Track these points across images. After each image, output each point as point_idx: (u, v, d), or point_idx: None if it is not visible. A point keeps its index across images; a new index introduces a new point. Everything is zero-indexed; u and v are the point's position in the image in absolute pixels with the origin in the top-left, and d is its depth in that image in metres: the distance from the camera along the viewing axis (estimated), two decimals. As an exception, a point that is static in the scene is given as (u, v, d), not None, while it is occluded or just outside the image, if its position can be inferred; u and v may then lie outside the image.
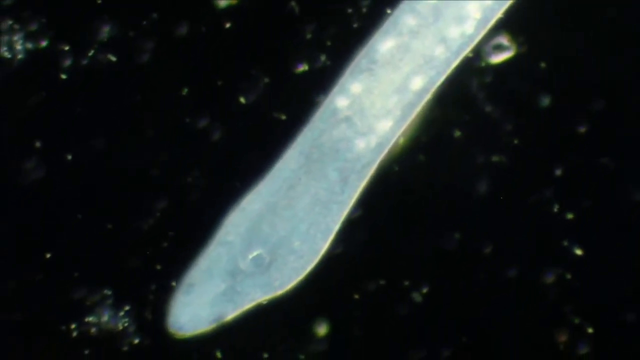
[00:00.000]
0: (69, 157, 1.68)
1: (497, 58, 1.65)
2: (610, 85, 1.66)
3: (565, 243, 1.66)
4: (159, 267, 1.68)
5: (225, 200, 1.67)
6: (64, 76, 1.68)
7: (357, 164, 1.58)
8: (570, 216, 1.66)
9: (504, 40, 1.65)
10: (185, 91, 1.68)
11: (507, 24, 1.63)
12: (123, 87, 1.69)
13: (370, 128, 1.57)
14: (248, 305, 1.60)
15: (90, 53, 1.68)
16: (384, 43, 1.58)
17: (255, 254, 1.60)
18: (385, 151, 1.58)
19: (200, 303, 1.60)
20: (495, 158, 1.66)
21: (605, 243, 1.66)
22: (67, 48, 1.68)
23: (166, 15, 1.68)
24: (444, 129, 1.66)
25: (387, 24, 1.59)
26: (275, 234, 1.59)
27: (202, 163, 1.69)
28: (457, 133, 1.66)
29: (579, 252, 1.65)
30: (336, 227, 1.59)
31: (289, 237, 1.59)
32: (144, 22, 1.68)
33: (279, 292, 1.60)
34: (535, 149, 1.66)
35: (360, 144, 1.58)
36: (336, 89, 1.59)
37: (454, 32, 1.56)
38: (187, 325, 1.60)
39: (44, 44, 1.68)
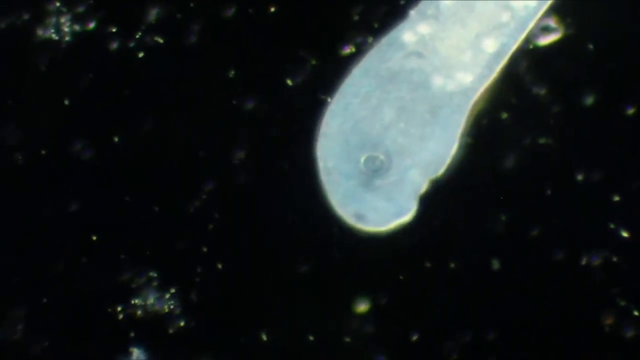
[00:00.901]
0: (117, 138, 1.69)
1: (545, 40, 1.65)
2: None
3: (612, 225, 1.66)
4: (205, 249, 1.69)
5: (272, 182, 1.68)
6: (111, 58, 1.69)
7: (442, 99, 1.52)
8: (616, 198, 1.66)
9: (551, 22, 1.65)
10: (232, 73, 1.69)
11: (554, 6, 1.64)
12: (170, 69, 1.69)
13: (449, 73, 1.52)
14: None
15: (138, 35, 1.69)
16: None
17: (365, 156, 1.55)
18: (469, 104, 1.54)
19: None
20: (542, 140, 1.66)
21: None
22: (114, 30, 1.69)
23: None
24: (492, 111, 1.66)
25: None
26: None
27: (249, 144, 1.69)
28: (505, 115, 1.66)
29: (625, 234, 1.65)
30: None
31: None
32: (191, 4, 1.69)
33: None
34: (581, 131, 1.66)
35: (438, 81, 1.54)
36: (399, 27, 1.54)
37: (518, 2, 1.55)
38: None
39: (91, 26, 1.69)
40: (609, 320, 1.65)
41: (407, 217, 1.54)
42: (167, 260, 1.69)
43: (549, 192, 1.66)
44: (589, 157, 1.66)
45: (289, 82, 1.68)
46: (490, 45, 1.55)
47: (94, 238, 1.69)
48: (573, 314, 1.66)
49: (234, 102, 1.69)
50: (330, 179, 1.56)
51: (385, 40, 1.58)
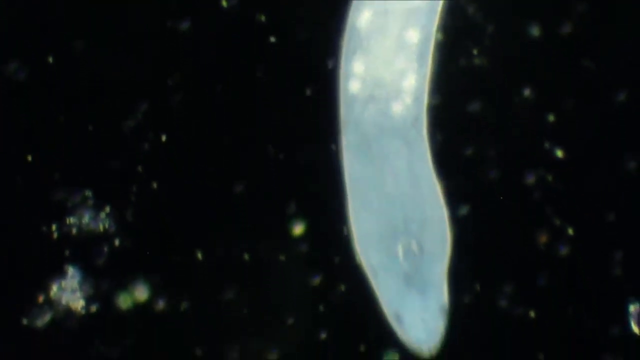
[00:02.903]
0: (51, 59, 1.68)
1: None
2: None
3: (547, 145, 1.66)
4: (140, 169, 1.68)
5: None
6: None
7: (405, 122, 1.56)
8: (551, 118, 1.66)
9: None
10: None
11: None
12: None
13: (398, 91, 1.55)
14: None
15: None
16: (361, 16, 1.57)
17: (400, 248, 1.58)
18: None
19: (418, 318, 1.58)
20: (476, 61, 1.66)
21: (587, 146, 1.66)
22: None
23: None
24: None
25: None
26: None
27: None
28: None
29: (560, 154, 1.66)
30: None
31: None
32: None
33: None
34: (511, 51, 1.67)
35: (397, 107, 1.57)
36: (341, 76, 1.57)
37: None
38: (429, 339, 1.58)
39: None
40: (543, 239, 1.65)
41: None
42: (102, 179, 1.68)
43: (484, 113, 1.66)
44: (524, 77, 1.66)
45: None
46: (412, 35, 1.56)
47: (29, 158, 1.68)
48: (508, 232, 1.66)
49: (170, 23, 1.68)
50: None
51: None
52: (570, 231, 1.65)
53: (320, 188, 1.65)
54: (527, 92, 1.65)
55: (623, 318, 1.64)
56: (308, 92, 1.66)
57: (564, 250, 1.65)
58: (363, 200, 1.56)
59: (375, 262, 1.56)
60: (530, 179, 1.65)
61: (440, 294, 1.55)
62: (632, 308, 1.64)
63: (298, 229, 1.67)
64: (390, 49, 1.54)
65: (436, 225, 1.55)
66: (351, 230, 1.57)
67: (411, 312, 1.55)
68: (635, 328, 1.63)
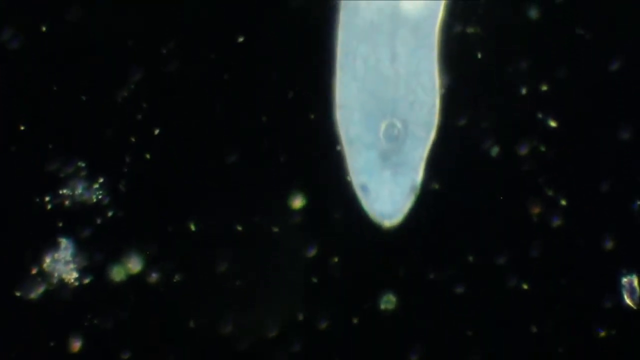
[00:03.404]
0: (44, 28, 1.67)
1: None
2: None
3: (540, 115, 1.66)
4: (133, 139, 1.68)
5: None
6: None
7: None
8: (544, 88, 1.66)
9: None
10: None
11: None
12: None
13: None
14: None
15: None
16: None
17: (383, 127, 1.57)
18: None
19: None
20: (471, 30, 1.66)
21: (581, 116, 1.66)
22: None
23: None
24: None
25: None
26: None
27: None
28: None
29: (553, 124, 1.66)
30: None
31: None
32: None
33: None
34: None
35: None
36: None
37: None
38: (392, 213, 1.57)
39: None
40: (535, 210, 1.66)
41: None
42: (95, 150, 1.67)
43: (477, 85, 1.67)
44: (514, 51, 1.67)
45: None
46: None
47: (22, 128, 1.67)
48: (499, 204, 1.67)
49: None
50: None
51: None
52: (563, 202, 1.66)
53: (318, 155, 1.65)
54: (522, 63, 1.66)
55: (616, 290, 1.65)
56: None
57: (556, 222, 1.66)
58: (353, 73, 1.55)
59: (354, 134, 1.57)
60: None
61: (414, 174, 1.55)
62: (624, 280, 1.65)
63: (297, 202, 1.67)
64: None
65: (425, 110, 1.55)
66: (334, 99, 1.57)
67: (379, 185, 1.56)
68: (627, 300, 1.64)
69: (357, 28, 1.57)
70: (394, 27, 1.57)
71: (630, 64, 1.65)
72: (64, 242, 1.66)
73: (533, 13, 1.65)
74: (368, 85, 1.56)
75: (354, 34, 1.57)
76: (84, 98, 1.67)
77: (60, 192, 1.67)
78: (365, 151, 1.57)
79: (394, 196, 1.57)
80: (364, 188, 1.58)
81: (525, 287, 1.65)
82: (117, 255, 1.66)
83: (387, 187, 1.56)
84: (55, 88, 1.68)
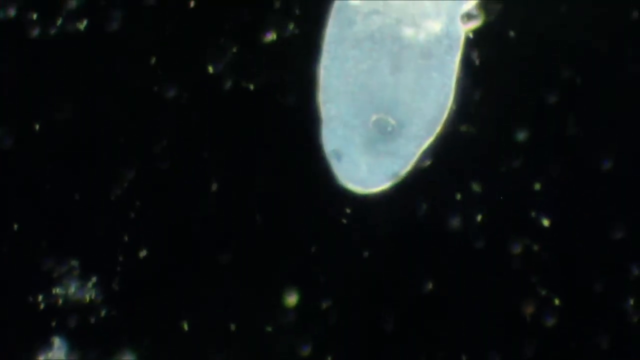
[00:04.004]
0: (37, 126, 1.67)
1: (467, 26, 1.65)
2: (581, 55, 1.66)
3: (533, 214, 1.66)
4: (126, 238, 1.68)
5: (199, 171, 1.67)
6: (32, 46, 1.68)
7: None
8: (537, 186, 1.66)
9: (473, 8, 1.64)
10: (154, 60, 1.68)
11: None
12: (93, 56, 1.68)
13: (415, 23, 1.51)
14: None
15: (59, 22, 1.67)
16: None
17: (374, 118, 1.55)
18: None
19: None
20: (464, 128, 1.66)
21: (573, 214, 1.66)
22: (35, 17, 1.68)
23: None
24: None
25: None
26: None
27: (168, 132, 1.68)
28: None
29: (546, 222, 1.66)
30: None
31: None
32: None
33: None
34: (501, 120, 1.66)
35: (408, 32, 1.53)
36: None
37: None
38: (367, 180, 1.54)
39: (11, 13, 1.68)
40: (529, 310, 1.65)
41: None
42: (88, 249, 1.68)
43: (469, 181, 1.66)
44: (511, 145, 1.66)
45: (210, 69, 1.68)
46: None
47: (15, 227, 1.68)
48: (494, 302, 1.66)
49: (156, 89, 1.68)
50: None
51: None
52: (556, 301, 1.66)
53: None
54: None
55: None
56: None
57: (549, 321, 1.65)
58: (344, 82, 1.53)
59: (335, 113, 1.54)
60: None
61: (399, 164, 1.52)
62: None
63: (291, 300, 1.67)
64: None
65: (427, 116, 1.52)
66: (319, 80, 1.55)
67: (356, 155, 1.52)
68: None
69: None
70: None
71: (621, 164, 1.65)
72: (57, 341, 1.67)
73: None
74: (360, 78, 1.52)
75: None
76: (77, 197, 1.68)
77: (54, 291, 1.67)
78: (346, 129, 1.51)
79: (371, 166, 1.51)
80: (337, 154, 1.53)
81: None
82: (110, 354, 1.67)
83: (363, 158, 1.51)
84: (47, 187, 1.68)
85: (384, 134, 1.53)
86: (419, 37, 1.54)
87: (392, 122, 1.52)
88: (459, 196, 1.66)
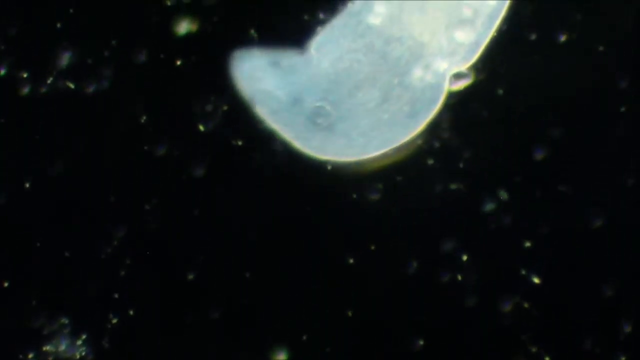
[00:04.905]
0: (27, 184, 1.68)
1: (457, 85, 1.66)
2: (570, 112, 1.67)
3: (523, 271, 1.66)
4: (116, 295, 1.68)
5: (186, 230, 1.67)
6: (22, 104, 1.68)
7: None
8: (528, 244, 1.66)
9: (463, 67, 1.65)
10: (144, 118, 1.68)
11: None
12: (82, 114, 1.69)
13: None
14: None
15: (50, 80, 1.68)
16: None
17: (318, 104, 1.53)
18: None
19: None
20: (453, 186, 1.66)
21: (563, 271, 1.66)
22: (25, 75, 1.68)
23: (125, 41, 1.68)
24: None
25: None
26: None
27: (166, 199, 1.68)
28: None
29: (536, 280, 1.66)
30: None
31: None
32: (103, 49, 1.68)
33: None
34: (490, 175, 1.67)
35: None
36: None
37: None
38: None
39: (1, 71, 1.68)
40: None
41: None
42: (79, 307, 1.68)
43: (461, 238, 1.66)
44: (500, 201, 1.67)
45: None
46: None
47: (5, 284, 1.68)
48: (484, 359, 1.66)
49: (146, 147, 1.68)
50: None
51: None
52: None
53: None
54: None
55: None
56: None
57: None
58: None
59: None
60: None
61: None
62: None
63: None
64: None
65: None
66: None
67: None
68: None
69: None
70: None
71: (612, 222, 1.66)
72: (47, 398, 1.66)
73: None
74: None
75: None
76: (67, 254, 1.68)
77: (44, 348, 1.67)
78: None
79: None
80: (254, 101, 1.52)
81: None
82: (100, 413, 1.67)
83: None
84: (38, 245, 1.68)
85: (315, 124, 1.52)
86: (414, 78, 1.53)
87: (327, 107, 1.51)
88: (449, 253, 1.66)
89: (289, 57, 1.54)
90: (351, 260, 1.65)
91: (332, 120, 1.51)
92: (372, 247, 1.65)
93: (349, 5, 1.54)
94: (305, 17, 1.62)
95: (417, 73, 1.51)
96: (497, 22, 1.57)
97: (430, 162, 1.65)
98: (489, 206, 1.65)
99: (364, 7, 1.51)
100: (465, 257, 1.65)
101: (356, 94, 1.51)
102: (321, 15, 1.61)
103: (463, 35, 1.51)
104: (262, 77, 1.54)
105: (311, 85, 1.51)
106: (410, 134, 1.56)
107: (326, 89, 1.51)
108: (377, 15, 1.50)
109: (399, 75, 1.51)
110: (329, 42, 1.55)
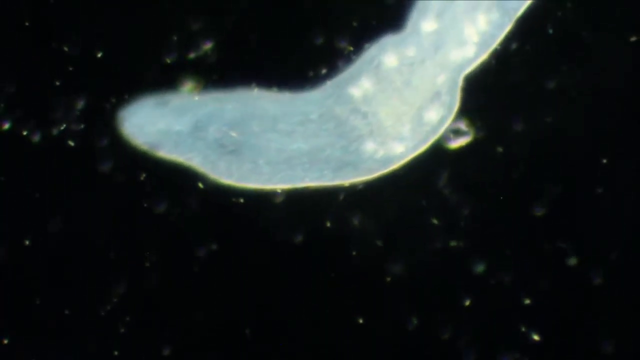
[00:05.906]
0: (27, 241, 1.68)
1: (455, 143, 1.66)
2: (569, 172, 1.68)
3: (523, 328, 1.66)
4: (116, 352, 1.68)
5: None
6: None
7: None
8: (527, 301, 1.66)
9: (462, 125, 1.66)
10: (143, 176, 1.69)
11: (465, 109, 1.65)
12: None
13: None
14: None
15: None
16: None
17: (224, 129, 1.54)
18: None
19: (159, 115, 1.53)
20: (453, 243, 1.67)
21: (563, 328, 1.66)
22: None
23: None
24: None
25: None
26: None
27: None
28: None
29: (536, 337, 1.66)
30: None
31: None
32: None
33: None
34: (490, 235, 1.67)
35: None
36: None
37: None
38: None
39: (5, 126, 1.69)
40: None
41: None
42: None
43: (460, 295, 1.67)
44: (499, 258, 1.67)
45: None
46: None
47: (5, 341, 1.68)
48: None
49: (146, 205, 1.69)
50: None
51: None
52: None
53: None
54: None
55: None
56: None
57: None
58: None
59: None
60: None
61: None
62: None
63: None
64: None
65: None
66: None
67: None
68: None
69: None
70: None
71: (611, 277, 1.66)
72: None
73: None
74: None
75: None
76: (66, 312, 1.68)
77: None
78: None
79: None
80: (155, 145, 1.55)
81: None
82: None
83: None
84: (38, 302, 1.68)
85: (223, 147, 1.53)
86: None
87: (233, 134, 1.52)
88: (447, 310, 1.66)
89: (179, 98, 1.57)
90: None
91: (238, 145, 1.53)
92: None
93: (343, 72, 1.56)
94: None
95: (369, 146, 1.53)
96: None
97: (434, 221, 1.66)
98: (481, 268, 1.66)
99: (350, 79, 1.53)
100: (464, 310, 1.66)
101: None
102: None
103: (432, 115, 1.53)
104: (153, 121, 1.56)
105: (215, 116, 1.53)
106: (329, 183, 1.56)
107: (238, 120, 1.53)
108: (359, 88, 1.52)
109: (345, 139, 1.52)
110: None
